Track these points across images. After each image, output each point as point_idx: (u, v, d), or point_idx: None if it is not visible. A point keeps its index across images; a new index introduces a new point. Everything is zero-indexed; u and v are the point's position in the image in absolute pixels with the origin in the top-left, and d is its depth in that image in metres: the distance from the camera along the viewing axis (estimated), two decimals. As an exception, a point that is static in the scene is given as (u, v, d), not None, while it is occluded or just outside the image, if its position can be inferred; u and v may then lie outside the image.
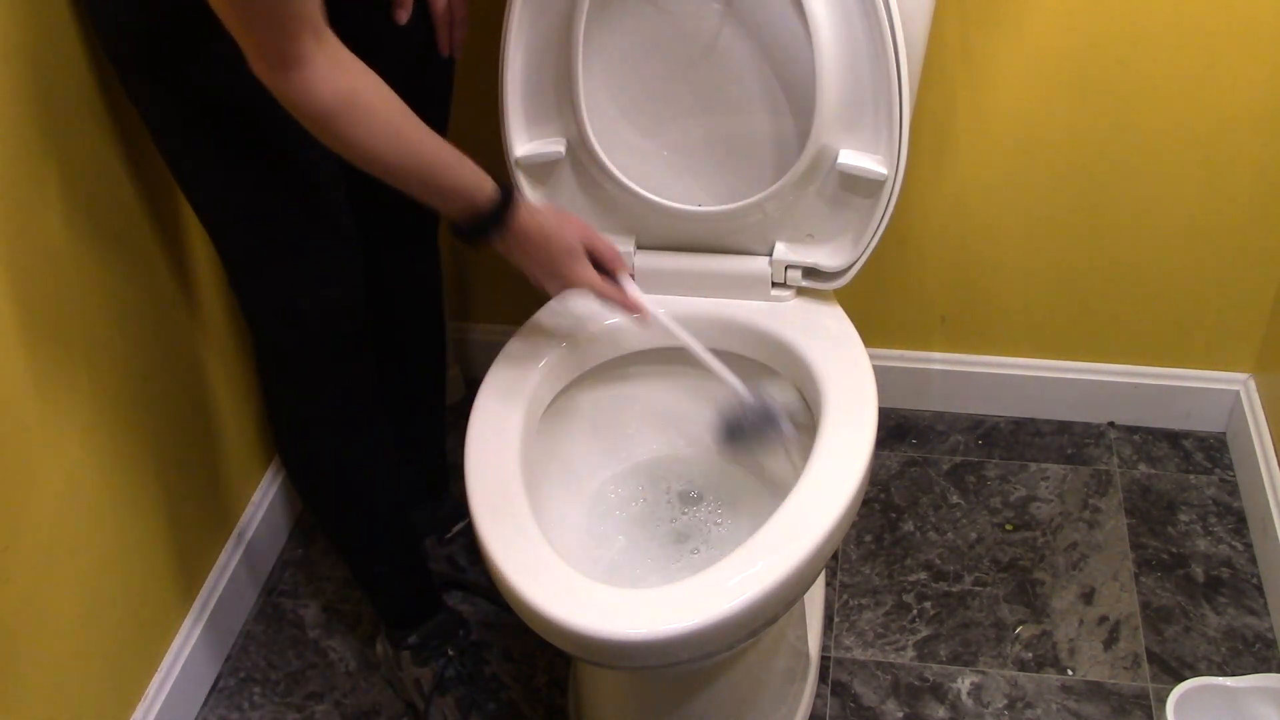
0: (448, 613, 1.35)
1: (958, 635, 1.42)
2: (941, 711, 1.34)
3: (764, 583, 0.93)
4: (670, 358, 1.25)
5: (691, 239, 1.25)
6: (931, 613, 1.45)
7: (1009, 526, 1.56)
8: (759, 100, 1.15)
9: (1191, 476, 1.62)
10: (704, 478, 1.28)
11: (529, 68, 1.17)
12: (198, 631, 1.37)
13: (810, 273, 1.23)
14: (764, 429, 1.15)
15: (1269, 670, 1.36)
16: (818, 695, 1.35)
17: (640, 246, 1.26)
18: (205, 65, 0.94)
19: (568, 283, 1.10)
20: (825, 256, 1.22)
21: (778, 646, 1.22)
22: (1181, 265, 1.52)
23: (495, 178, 1.02)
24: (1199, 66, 1.34)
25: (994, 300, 1.60)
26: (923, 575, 1.50)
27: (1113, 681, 1.36)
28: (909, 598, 1.47)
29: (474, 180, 1.00)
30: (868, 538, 1.55)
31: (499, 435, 1.09)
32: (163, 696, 1.30)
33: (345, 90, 0.87)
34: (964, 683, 1.37)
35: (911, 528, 1.56)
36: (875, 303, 1.61)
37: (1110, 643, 1.41)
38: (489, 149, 1.50)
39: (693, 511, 1.25)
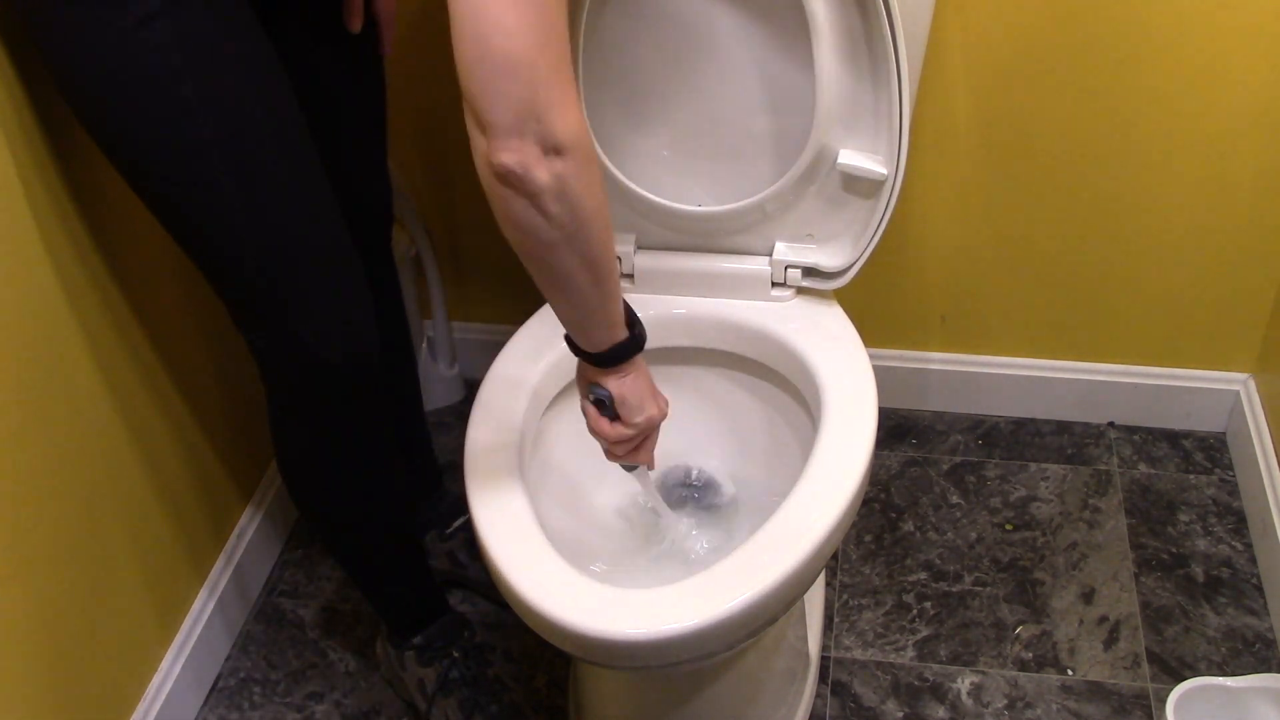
0: (452, 614, 1.35)
1: (958, 635, 1.42)
2: (941, 711, 1.34)
3: (764, 583, 0.93)
4: (670, 358, 1.26)
5: (691, 239, 1.25)
6: (931, 613, 1.45)
7: (1009, 526, 1.56)
8: (759, 100, 1.15)
9: (1191, 476, 1.62)
10: (705, 477, 1.28)
11: (529, 68, 1.17)
12: (198, 631, 1.37)
13: (810, 273, 1.23)
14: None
15: (1269, 670, 1.36)
16: (818, 695, 1.35)
17: (640, 246, 1.26)
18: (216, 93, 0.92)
19: (651, 424, 1.04)
20: (825, 256, 1.22)
21: (778, 646, 1.22)
22: (1181, 265, 1.52)
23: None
24: (1199, 66, 1.34)
25: (994, 300, 1.60)
26: (923, 575, 1.50)
27: (1113, 681, 1.36)
28: (909, 598, 1.47)
29: (621, 306, 0.96)
30: (868, 538, 1.55)
31: (499, 435, 1.09)
32: (163, 696, 1.30)
33: (584, 128, 0.81)
34: (964, 683, 1.37)
35: (911, 528, 1.57)
36: (875, 303, 1.61)
37: (1110, 643, 1.41)
38: (489, 149, 1.51)
39: (693, 511, 1.25)
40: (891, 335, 1.66)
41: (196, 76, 0.89)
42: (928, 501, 1.60)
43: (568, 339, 0.98)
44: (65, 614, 1.15)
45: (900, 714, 1.34)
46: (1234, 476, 1.61)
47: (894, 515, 1.58)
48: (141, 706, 1.28)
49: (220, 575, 1.44)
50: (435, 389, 1.76)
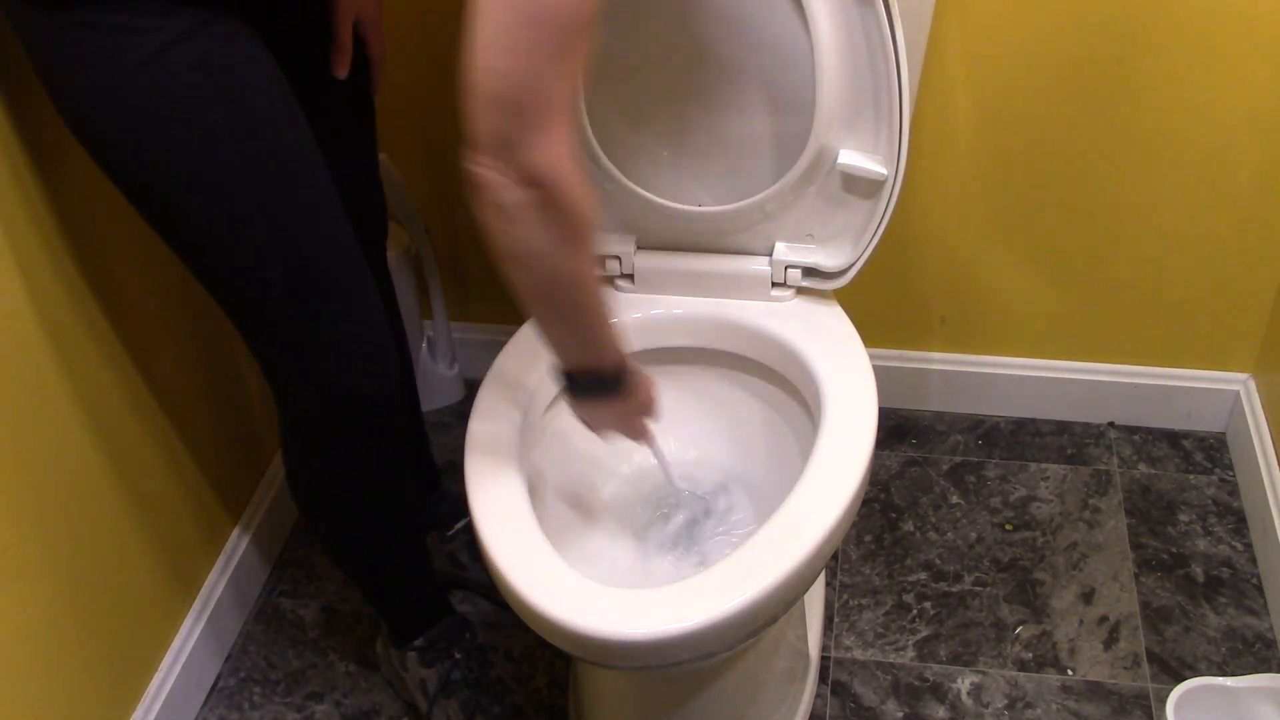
0: (454, 616, 1.35)
1: (958, 635, 1.42)
2: (941, 711, 1.34)
3: (764, 583, 0.93)
4: (670, 358, 1.26)
5: (691, 239, 1.25)
6: (931, 613, 1.45)
7: (1009, 526, 1.56)
8: (759, 100, 1.15)
9: (1191, 476, 1.62)
10: (705, 477, 1.28)
11: (529, 68, 1.17)
12: (198, 631, 1.37)
13: (810, 273, 1.23)
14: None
15: (1269, 670, 1.36)
16: (818, 695, 1.35)
17: (640, 246, 1.26)
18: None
19: (628, 435, 1.10)
20: (825, 256, 1.22)
21: (778, 646, 1.22)
22: (1182, 265, 1.52)
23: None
24: (1199, 66, 1.34)
25: (994, 300, 1.60)
26: (923, 575, 1.50)
27: (1113, 681, 1.36)
28: (909, 598, 1.47)
29: (614, 333, 0.97)
30: (868, 538, 1.55)
31: (499, 435, 1.09)
32: (163, 696, 1.30)
33: (571, 156, 0.83)
34: (964, 683, 1.37)
35: (911, 528, 1.57)
36: (875, 303, 1.61)
37: (1110, 643, 1.41)
38: (489, 149, 1.51)
39: (693, 511, 1.25)
40: (891, 335, 1.66)
41: (223, 102, 0.87)
42: (928, 501, 1.60)
43: (567, 376, 1.01)
44: (65, 615, 1.15)
45: (900, 714, 1.34)
46: (1234, 476, 1.61)
47: (894, 515, 1.58)
48: (141, 706, 1.28)
49: (220, 575, 1.44)
50: (435, 389, 1.76)
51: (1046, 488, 1.61)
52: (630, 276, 1.26)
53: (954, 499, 1.60)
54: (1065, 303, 1.59)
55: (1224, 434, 1.67)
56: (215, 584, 1.42)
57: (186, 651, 1.35)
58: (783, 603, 0.97)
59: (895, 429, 1.71)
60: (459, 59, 1.47)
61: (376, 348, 1.04)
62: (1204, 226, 1.48)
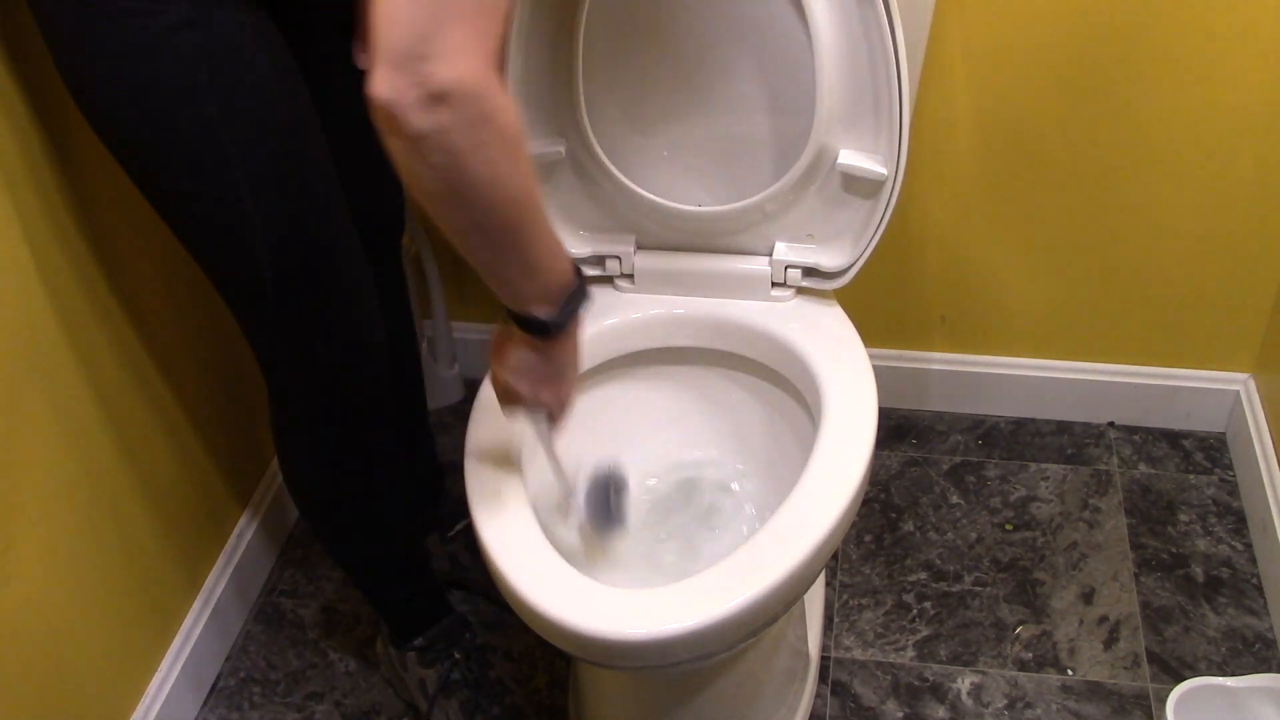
0: (454, 616, 1.35)
1: (958, 635, 1.42)
2: (941, 711, 1.34)
3: (764, 583, 0.93)
4: (671, 358, 1.26)
5: (691, 239, 1.25)
6: (931, 613, 1.45)
7: (1009, 526, 1.56)
8: (759, 100, 1.15)
9: (1191, 476, 1.62)
10: (705, 477, 1.28)
11: (529, 68, 1.17)
12: (198, 631, 1.37)
13: (810, 273, 1.23)
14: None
15: (1269, 670, 1.36)
16: (818, 695, 1.35)
17: (640, 246, 1.26)
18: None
19: (560, 397, 1.00)
20: (825, 256, 1.22)
21: (778, 646, 1.22)
22: (1181, 265, 1.52)
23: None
24: (1199, 66, 1.34)
25: (994, 300, 1.60)
26: (923, 575, 1.50)
27: (1113, 681, 1.36)
28: (909, 598, 1.47)
29: (560, 245, 0.88)
30: (868, 538, 1.55)
31: (499, 436, 1.09)
32: (163, 696, 1.30)
33: (488, 73, 0.73)
34: (964, 683, 1.37)
35: (911, 528, 1.56)
36: (875, 303, 1.61)
37: (1110, 643, 1.41)
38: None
39: (694, 511, 1.25)
40: (891, 335, 1.66)
41: (222, 90, 0.88)
42: (928, 501, 1.60)
43: (529, 318, 0.92)
44: (64, 615, 1.15)
45: (900, 714, 1.34)
46: (1234, 476, 1.61)
47: (894, 515, 1.58)
48: (141, 707, 1.28)
49: (220, 575, 1.44)
50: (435, 389, 1.76)
51: (1046, 488, 1.61)
52: (630, 276, 1.26)
53: (954, 499, 1.60)
54: (1065, 303, 1.59)
55: (1224, 434, 1.67)
56: (215, 584, 1.42)
57: (186, 651, 1.35)
58: (783, 603, 0.97)
59: (895, 429, 1.71)
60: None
61: (363, 329, 1.04)
62: (1204, 226, 1.48)
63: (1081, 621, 1.43)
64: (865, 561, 1.52)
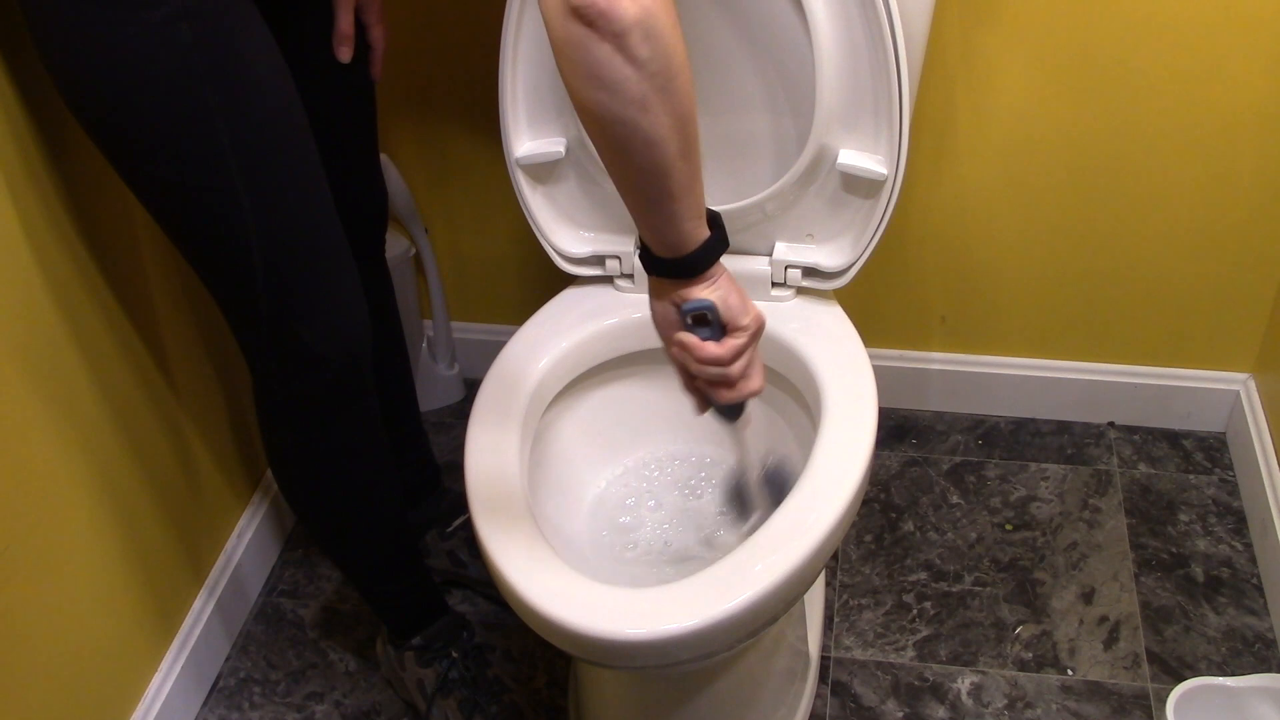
0: (452, 615, 1.35)
1: (958, 635, 1.42)
2: (941, 711, 1.34)
3: (764, 583, 0.93)
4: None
5: (691, 239, 1.25)
6: (931, 613, 1.45)
7: (1009, 526, 1.56)
8: (759, 100, 1.15)
9: (1191, 476, 1.62)
10: (705, 477, 1.28)
11: (529, 68, 1.17)
12: (198, 631, 1.37)
13: (810, 273, 1.23)
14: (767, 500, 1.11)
15: (1269, 670, 1.36)
16: (818, 695, 1.35)
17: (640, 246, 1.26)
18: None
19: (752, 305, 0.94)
20: (825, 256, 1.22)
21: (778, 646, 1.22)
22: (1181, 265, 1.52)
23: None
24: (1199, 66, 1.34)
25: (994, 300, 1.60)
26: (923, 575, 1.50)
27: (1113, 681, 1.36)
28: (909, 598, 1.47)
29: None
30: (868, 538, 1.55)
31: (499, 435, 1.09)
32: (163, 696, 1.30)
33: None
34: (964, 683, 1.37)
35: (911, 528, 1.56)
36: (875, 303, 1.61)
37: (1110, 643, 1.41)
38: (489, 149, 1.51)
39: (694, 511, 1.25)
40: (891, 335, 1.66)
41: (217, 81, 0.89)
42: (928, 501, 1.60)
43: (643, 258, 0.90)
44: (65, 615, 1.15)
45: (900, 714, 1.34)
46: (1234, 476, 1.61)
47: (894, 515, 1.58)
48: (141, 707, 1.28)
49: (220, 575, 1.44)
50: (435, 389, 1.76)
51: (1046, 488, 1.61)
52: (630, 276, 1.26)
53: (954, 499, 1.60)
54: (1065, 303, 1.59)
55: (1224, 434, 1.67)
56: (215, 584, 1.42)
57: (186, 652, 1.35)
58: (783, 603, 0.97)
59: (895, 429, 1.71)
60: (459, 58, 1.48)
61: (346, 317, 1.05)
62: (1204, 226, 1.48)
63: (1081, 621, 1.43)
64: (865, 561, 1.52)
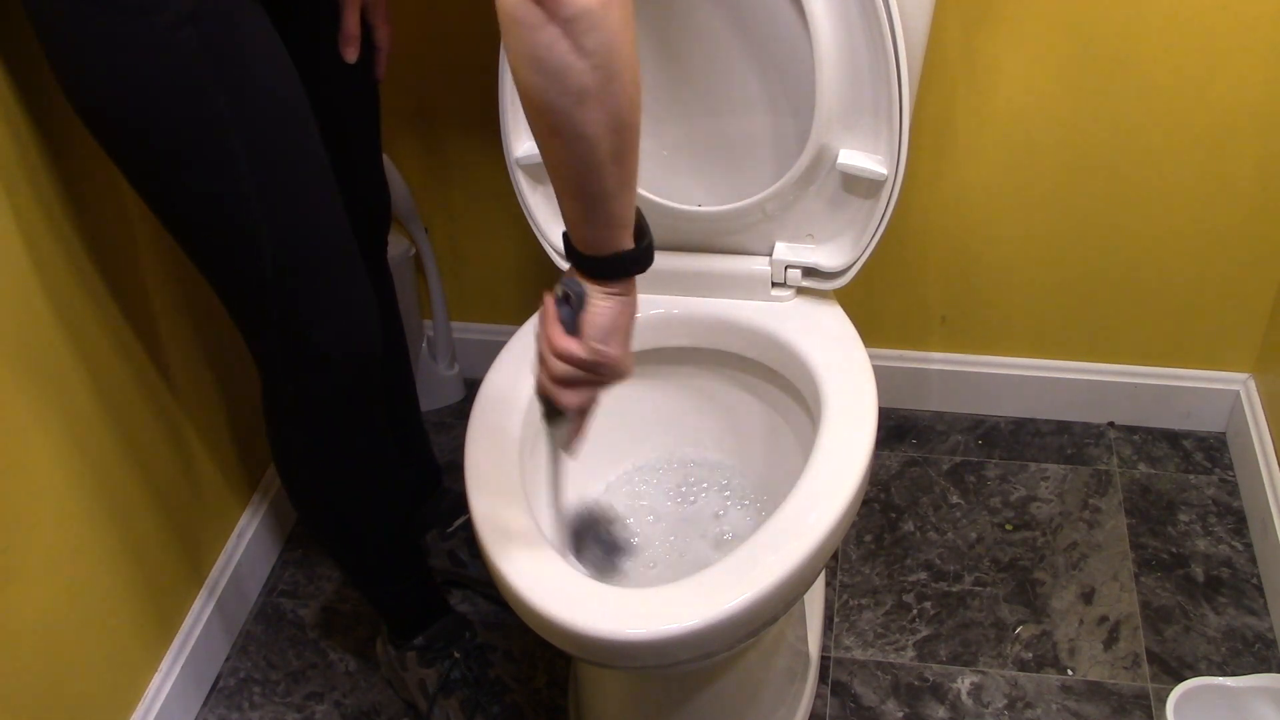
0: (453, 615, 1.35)
1: (958, 635, 1.42)
2: (941, 711, 1.34)
3: (764, 583, 0.93)
4: (671, 358, 1.26)
5: (691, 239, 1.25)
6: (931, 613, 1.45)
7: (1009, 526, 1.56)
8: (759, 100, 1.15)
9: (1191, 476, 1.62)
10: (705, 478, 1.28)
11: (529, 68, 1.17)
12: (198, 631, 1.37)
13: (810, 273, 1.23)
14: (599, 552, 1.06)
15: (1269, 670, 1.36)
16: (818, 695, 1.35)
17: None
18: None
19: (626, 344, 0.92)
20: (825, 256, 1.22)
21: (778, 646, 1.22)
22: (1181, 265, 1.52)
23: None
24: (1199, 66, 1.34)
25: (994, 300, 1.60)
26: (923, 575, 1.50)
27: (1113, 681, 1.36)
28: (909, 598, 1.47)
29: (634, 210, 0.85)
30: (868, 538, 1.55)
31: (499, 435, 1.09)
32: (163, 696, 1.30)
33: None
34: (964, 683, 1.37)
35: (911, 528, 1.56)
36: (875, 303, 1.61)
37: (1110, 643, 1.41)
38: (489, 149, 1.51)
39: (694, 511, 1.25)
40: (891, 335, 1.66)
41: (226, 85, 0.88)
42: (928, 501, 1.60)
43: (565, 239, 0.87)
44: (64, 615, 1.15)
45: (900, 714, 1.34)
46: (1234, 476, 1.61)
47: (894, 515, 1.58)
48: (142, 706, 1.28)
49: (220, 575, 1.44)
50: (435, 389, 1.76)
51: (1046, 488, 1.61)
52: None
53: (954, 499, 1.60)
54: (1065, 303, 1.59)
55: (1224, 434, 1.67)
56: (215, 584, 1.42)
57: (186, 652, 1.35)
58: (783, 603, 0.97)
59: (895, 429, 1.71)
60: (459, 59, 1.48)
61: (356, 318, 1.05)
62: (1204, 226, 1.48)
63: (1081, 621, 1.43)
64: (865, 561, 1.52)
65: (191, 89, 0.87)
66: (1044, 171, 1.46)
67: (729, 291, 1.24)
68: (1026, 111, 1.41)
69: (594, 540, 1.05)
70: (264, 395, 1.11)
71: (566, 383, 0.90)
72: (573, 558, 1.04)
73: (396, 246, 1.59)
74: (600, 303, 0.87)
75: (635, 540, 1.09)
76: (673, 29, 1.13)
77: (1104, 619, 1.43)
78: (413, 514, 1.47)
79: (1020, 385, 1.68)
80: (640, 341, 1.22)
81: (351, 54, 1.09)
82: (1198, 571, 1.48)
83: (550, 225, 1.26)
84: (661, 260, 1.24)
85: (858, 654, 1.41)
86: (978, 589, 1.48)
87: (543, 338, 0.89)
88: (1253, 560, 1.49)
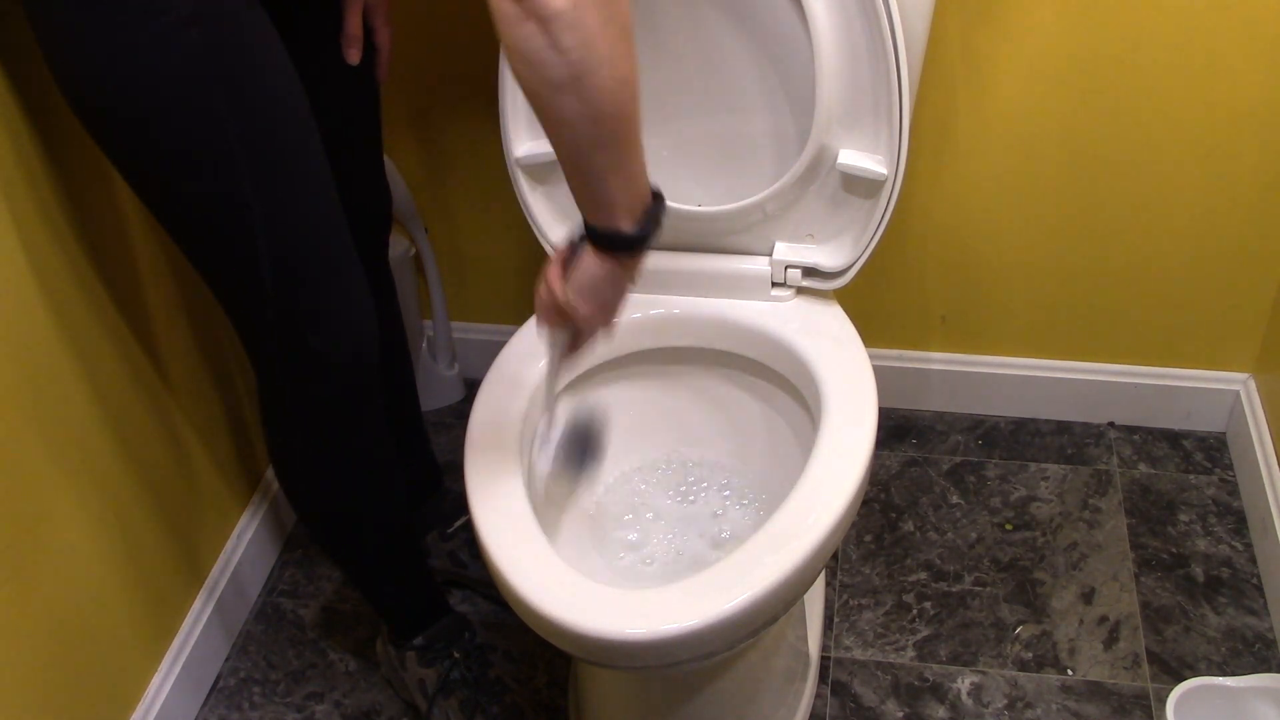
0: (453, 615, 1.35)
1: (958, 635, 1.42)
2: (941, 711, 1.34)
3: (764, 583, 0.93)
4: (671, 358, 1.26)
5: (691, 239, 1.25)
6: (931, 613, 1.45)
7: (1009, 526, 1.56)
8: (759, 100, 1.15)
9: (1191, 476, 1.62)
10: (705, 477, 1.28)
11: (529, 68, 1.17)
12: (198, 631, 1.37)
13: (810, 273, 1.23)
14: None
15: (1269, 670, 1.36)
16: (818, 695, 1.35)
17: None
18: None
19: (611, 321, 0.98)
20: (825, 256, 1.22)
21: (778, 646, 1.22)
22: (1181, 265, 1.52)
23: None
24: (1199, 66, 1.34)
25: (994, 300, 1.60)
26: (923, 575, 1.50)
27: (1113, 681, 1.36)
28: (909, 598, 1.47)
29: (644, 157, 0.88)
30: (868, 538, 1.55)
31: (499, 436, 1.09)
32: (162, 697, 1.30)
33: None
34: (964, 683, 1.37)
35: (911, 528, 1.56)
36: (875, 303, 1.61)
37: (1110, 643, 1.41)
38: (489, 149, 1.51)
39: (694, 511, 1.25)
40: (891, 335, 1.66)
41: (226, 87, 0.88)
42: (928, 501, 1.60)
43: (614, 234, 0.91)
44: (64, 614, 1.15)
45: (900, 714, 1.34)
46: (1234, 476, 1.61)
47: (894, 515, 1.58)
48: (141, 706, 1.28)
49: (220, 575, 1.44)
50: (435, 389, 1.76)
51: (1046, 488, 1.61)
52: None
53: (954, 499, 1.60)
54: (1065, 303, 1.59)
55: (1224, 434, 1.67)
56: (215, 584, 1.42)
57: (186, 652, 1.35)
58: (783, 603, 0.97)
59: (895, 429, 1.71)
60: (459, 58, 1.48)
61: (353, 321, 1.05)
62: (1204, 226, 1.48)
63: (1081, 621, 1.43)
64: (865, 561, 1.52)
65: (191, 91, 0.87)
66: (1044, 171, 1.46)
67: (729, 291, 1.24)
68: (1026, 111, 1.41)
69: (579, 450, 1.08)
70: (261, 396, 1.11)
71: (543, 309, 0.96)
72: (552, 455, 1.08)
73: (396, 246, 1.59)
74: (587, 260, 0.92)
75: (598, 466, 1.09)
76: (673, 29, 1.13)
77: (1104, 619, 1.43)
78: (413, 515, 1.47)
79: (1020, 385, 1.68)
80: (641, 341, 1.23)
81: (354, 56, 1.09)
82: (1198, 571, 1.48)
83: (550, 225, 1.26)
84: (661, 260, 1.25)
85: (858, 654, 1.41)
86: (978, 589, 1.48)
87: (545, 272, 0.94)
88: (1253, 560, 1.49)
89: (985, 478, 1.63)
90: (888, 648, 1.41)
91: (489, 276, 1.70)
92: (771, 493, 1.25)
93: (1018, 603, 1.46)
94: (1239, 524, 1.54)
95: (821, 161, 1.16)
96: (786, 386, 1.21)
